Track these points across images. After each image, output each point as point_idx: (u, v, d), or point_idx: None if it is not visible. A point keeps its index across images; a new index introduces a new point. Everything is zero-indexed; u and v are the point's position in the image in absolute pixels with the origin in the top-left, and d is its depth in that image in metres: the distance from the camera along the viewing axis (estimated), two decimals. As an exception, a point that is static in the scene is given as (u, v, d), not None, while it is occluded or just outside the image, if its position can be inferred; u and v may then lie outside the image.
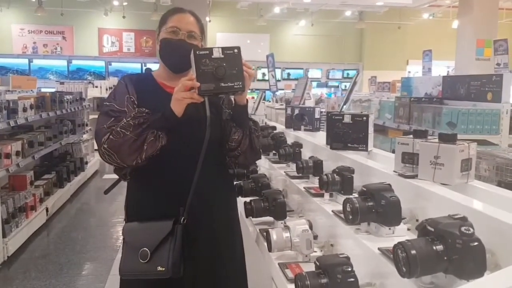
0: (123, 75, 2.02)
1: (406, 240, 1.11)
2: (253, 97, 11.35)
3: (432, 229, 1.10)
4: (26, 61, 15.24)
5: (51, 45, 16.26)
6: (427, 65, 7.30)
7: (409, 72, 14.44)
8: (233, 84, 1.66)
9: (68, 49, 16.22)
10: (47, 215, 5.35)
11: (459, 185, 1.55)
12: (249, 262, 1.98)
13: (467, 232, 1.05)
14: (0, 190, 4.24)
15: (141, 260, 1.72)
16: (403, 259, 1.09)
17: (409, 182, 1.61)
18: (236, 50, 1.69)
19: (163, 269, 1.70)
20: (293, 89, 11.70)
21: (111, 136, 1.70)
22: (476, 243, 1.04)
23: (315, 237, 1.79)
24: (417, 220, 1.52)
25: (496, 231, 1.18)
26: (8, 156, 4.39)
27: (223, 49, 1.67)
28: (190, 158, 1.77)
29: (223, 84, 1.65)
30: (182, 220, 1.75)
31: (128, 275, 1.77)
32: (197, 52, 1.66)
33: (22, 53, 15.72)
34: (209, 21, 14.50)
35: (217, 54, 1.66)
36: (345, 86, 14.40)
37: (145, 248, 1.72)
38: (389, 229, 1.46)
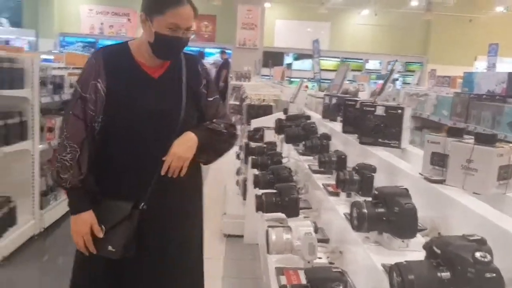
0: (97, 49, 1.95)
1: (405, 261, 0.89)
2: (306, 86, 11.04)
3: (439, 251, 0.88)
4: (93, 41, 15.74)
5: (116, 26, 16.71)
6: (492, 60, 6.69)
7: (476, 68, 13.52)
8: (390, 142, 1.97)
9: (131, 31, 16.61)
10: (88, 191, 5.43)
11: (494, 196, 1.29)
12: (250, 260, 1.82)
13: (483, 259, 0.81)
14: (42, 163, 4.31)
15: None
16: (398, 285, 0.87)
17: (434, 187, 1.36)
18: (400, 111, 1.96)
19: (114, 250, 1.75)
20: (350, 80, 11.29)
21: (56, 163, 1.77)
22: (493, 275, 0.80)
23: (326, 241, 1.59)
24: (439, 233, 1.28)
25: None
26: (51, 130, 4.46)
27: (387, 108, 1.97)
28: (158, 144, 1.78)
29: (380, 140, 1.98)
30: (141, 205, 1.78)
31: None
32: (364, 108, 2.01)
33: (89, 33, 16.26)
34: (269, 7, 14.29)
35: (380, 111, 1.97)
36: (396, 78, 13.74)
37: (102, 225, 1.77)
38: (402, 241, 1.23)
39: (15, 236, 3.81)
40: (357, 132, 2.29)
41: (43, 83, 4.33)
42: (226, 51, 12.81)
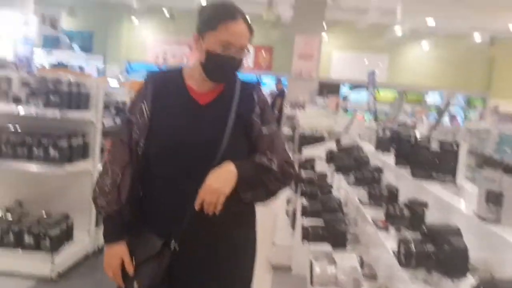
0: (149, 73, 1.82)
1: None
2: (363, 118, 10.93)
3: (489, 294, 0.83)
4: (157, 68, 16.41)
5: (179, 55, 17.40)
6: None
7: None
8: (444, 177, 1.95)
9: (193, 61, 17.16)
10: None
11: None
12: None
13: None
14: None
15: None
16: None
17: (488, 227, 1.30)
18: (455, 146, 1.96)
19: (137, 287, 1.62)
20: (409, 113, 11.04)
21: (96, 187, 1.69)
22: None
23: (373, 277, 1.54)
24: (491, 275, 1.21)
25: None
26: (111, 151, 4.66)
27: (442, 143, 2.00)
28: (196, 176, 1.59)
29: (434, 174, 1.97)
30: (172, 244, 1.61)
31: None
32: (419, 142, 2.10)
33: (154, 61, 17.03)
34: (326, 38, 14.38)
35: (435, 146, 2.01)
36: (456, 114, 13.29)
37: (133, 259, 1.65)
38: (452, 281, 1.18)
39: (71, 253, 3.96)
40: (410, 166, 2.24)
41: (106, 106, 4.57)
42: (282, 80, 12.98)
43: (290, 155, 1.85)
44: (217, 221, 1.59)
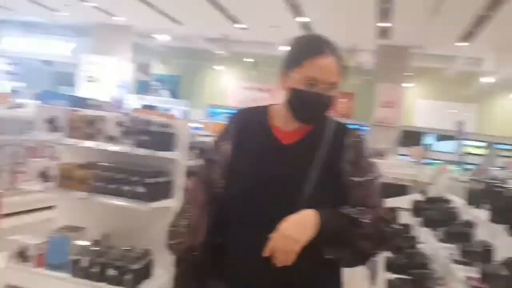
0: (234, 112, 1.76)
1: None
2: (449, 169, 10.35)
3: None
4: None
5: (258, 100, 17.95)
6: None
7: None
8: None
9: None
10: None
11: None
12: None
13: None
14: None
15: None
16: None
17: None
18: None
19: None
20: (500, 167, 10.33)
21: (171, 228, 1.61)
22: None
23: None
24: None
25: None
26: (192, 191, 4.79)
27: None
28: (273, 224, 1.41)
29: None
30: None
31: None
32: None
33: (234, 106, 17.68)
34: (411, 86, 14.07)
35: None
36: None
37: None
38: None
39: (150, 288, 4.05)
40: (507, 223, 2.08)
41: (191, 147, 4.76)
42: (363, 128, 12.81)
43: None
44: (296, 276, 1.43)
